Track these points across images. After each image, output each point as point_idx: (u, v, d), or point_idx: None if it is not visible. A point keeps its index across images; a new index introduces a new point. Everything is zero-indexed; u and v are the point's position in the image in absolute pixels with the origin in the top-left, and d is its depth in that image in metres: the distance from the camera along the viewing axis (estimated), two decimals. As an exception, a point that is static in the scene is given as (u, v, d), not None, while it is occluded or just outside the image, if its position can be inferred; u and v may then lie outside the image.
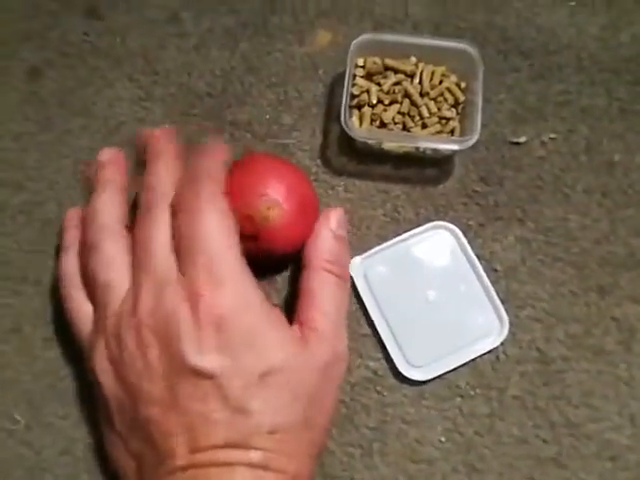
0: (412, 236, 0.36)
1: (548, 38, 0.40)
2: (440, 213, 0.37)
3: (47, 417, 0.34)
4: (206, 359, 0.27)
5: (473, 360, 0.35)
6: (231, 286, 0.28)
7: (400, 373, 0.34)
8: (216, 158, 0.32)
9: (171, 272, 0.29)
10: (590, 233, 0.37)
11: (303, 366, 0.29)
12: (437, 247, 0.36)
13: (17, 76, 0.40)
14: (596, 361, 0.35)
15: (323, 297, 0.31)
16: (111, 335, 0.29)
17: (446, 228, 0.37)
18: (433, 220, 0.37)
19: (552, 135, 0.39)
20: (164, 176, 0.32)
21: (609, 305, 0.36)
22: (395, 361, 0.35)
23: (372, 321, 0.35)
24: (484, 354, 0.35)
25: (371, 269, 0.36)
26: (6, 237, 0.37)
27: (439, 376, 0.35)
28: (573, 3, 0.41)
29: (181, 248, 0.29)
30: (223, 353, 0.28)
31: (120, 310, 0.30)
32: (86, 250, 0.32)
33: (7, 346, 0.35)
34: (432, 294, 0.36)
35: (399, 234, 0.36)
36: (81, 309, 0.32)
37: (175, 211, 0.30)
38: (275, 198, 0.32)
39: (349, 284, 0.33)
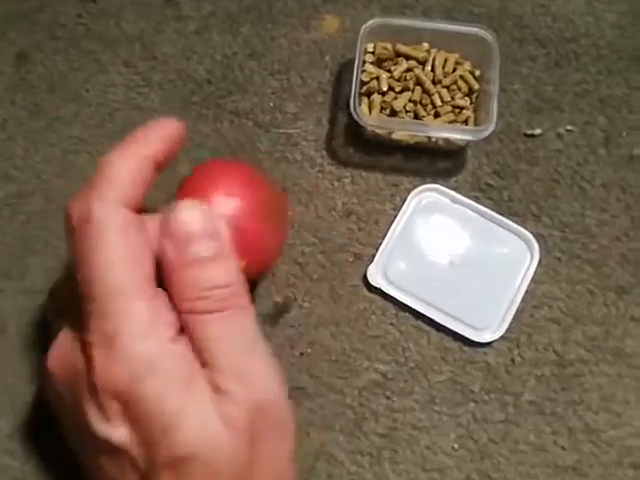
0: (410, 217, 0.35)
1: (565, 26, 0.39)
2: (452, 207, 0.36)
3: (32, 424, 0.32)
4: (110, 429, 0.23)
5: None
6: (127, 345, 0.22)
7: (475, 343, 0.33)
8: (134, 154, 0.25)
9: (77, 323, 0.24)
10: (609, 229, 0.36)
11: (227, 450, 0.23)
12: (436, 213, 0.35)
13: (5, 60, 0.38)
14: (616, 364, 0.34)
15: (210, 348, 0.23)
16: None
17: (433, 190, 0.36)
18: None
19: (569, 127, 0.37)
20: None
21: (629, 305, 0.34)
22: (465, 334, 0.33)
23: (418, 313, 0.34)
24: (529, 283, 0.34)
25: (390, 269, 0.34)
26: (-9, 230, 0.35)
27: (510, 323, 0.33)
28: (590, -10, 0.40)
29: (77, 287, 0.24)
30: (129, 421, 0.23)
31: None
32: None
33: (-10, 347, 0.33)
34: (455, 258, 0.35)
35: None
36: None
37: (67, 233, 0.25)
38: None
39: (246, 309, 0.25)
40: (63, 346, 0.25)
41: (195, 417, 0.23)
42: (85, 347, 0.23)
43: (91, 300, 0.23)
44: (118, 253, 0.23)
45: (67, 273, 0.28)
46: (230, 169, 0.30)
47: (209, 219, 0.24)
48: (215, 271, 0.24)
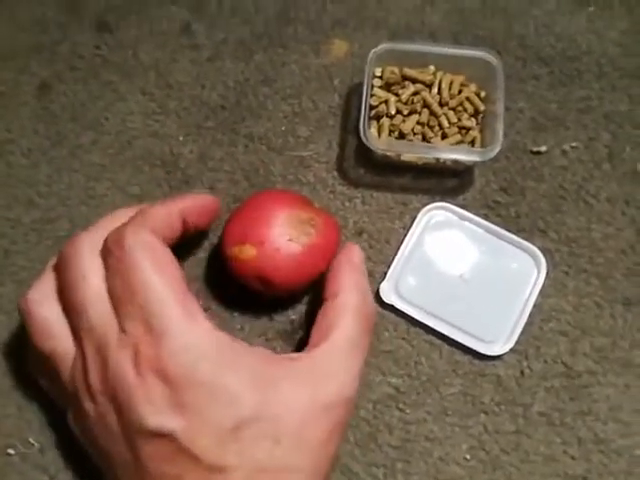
0: (420, 234, 0.36)
1: (567, 45, 0.40)
2: (461, 225, 0.37)
3: (62, 439, 0.33)
4: (161, 419, 0.25)
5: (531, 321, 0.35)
6: (174, 337, 0.26)
7: (485, 356, 0.34)
8: (168, 204, 0.30)
9: (110, 330, 0.27)
10: (615, 243, 0.36)
11: (291, 407, 0.26)
12: (445, 230, 0.36)
13: (27, 91, 0.40)
14: (624, 374, 0.34)
15: (339, 327, 0.29)
16: (72, 403, 0.28)
17: (441, 208, 0.37)
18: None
19: (573, 143, 0.38)
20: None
21: (636, 316, 0.35)
22: (475, 348, 0.34)
23: (429, 328, 0.35)
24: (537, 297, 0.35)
25: (402, 286, 0.35)
26: (18, 255, 0.37)
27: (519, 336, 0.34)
28: (592, 9, 0.40)
29: (114, 300, 0.27)
30: (180, 411, 0.25)
31: (72, 378, 0.28)
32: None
33: (21, 366, 0.35)
34: (465, 273, 0.36)
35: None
36: None
37: (103, 258, 0.28)
38: (246, 240, 0.31)
39: (372, 322, 0.31)
40: (97, 368, 0.27)
41: (253, 391, 0.26)
42: (131, 346, 0.26)
43: (132, 306, 0.26)
44: (149, 265, 0.27)
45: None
46: (285, 194, 0.34)
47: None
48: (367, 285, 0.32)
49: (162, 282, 0.27)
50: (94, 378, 0.27)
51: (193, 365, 0.25)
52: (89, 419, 0.27)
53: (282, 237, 0.31)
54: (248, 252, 0.31)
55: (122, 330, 0.26)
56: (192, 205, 0.31)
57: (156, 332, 0.26)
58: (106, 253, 0.28)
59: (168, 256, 0.28)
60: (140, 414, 0.25)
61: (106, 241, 0.28)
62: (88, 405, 0.27)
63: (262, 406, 0.26)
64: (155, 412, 0.25)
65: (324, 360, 0.28)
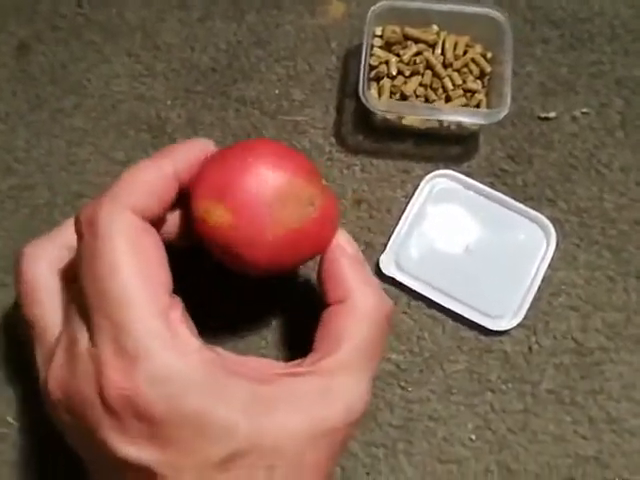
0: (422, 204, 0.34)
1: (578, 6, 0.38)
2: (465, 194, 0.35)
3: (42, 419, 0.31)
4: (137, 452, 0.21)
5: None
6: (152, 362, 0.21)
7: (491, 331, 0.32)
8: (155, 164, 0.24)
9: (80, 336, 0.22)
10: (628, 214, 0.35)
11: (289, 434, 0.22)
12: (449, 199, 0.34)
13: (5, 52, 0.37)
14: (637, 351, 0.33)
15: (349, 337, 0.24)
16: (43, 389, 0.24)
17: (445, 176, 0.35)
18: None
19: (584, 109, 0.36)
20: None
21: (649, 291, 0.34)
22: (481, 323, 0.32)
23: (432, 302, 0.33)
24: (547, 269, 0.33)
25: (403, 258, 0.33)
26: (-6, 224, 0.34)
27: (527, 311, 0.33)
28: (603, -32, 0.39)
29: (82, 298, 0.22)
30: (160, 444, 0.21)
31: (43, 362, 0.24)
32: None
33: (-3, 342, 0.33)
34: (470, 244, 0.34)
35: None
36: None
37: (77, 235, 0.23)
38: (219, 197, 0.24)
39: (389, 323, 0.26)
40: (60, 375, 0.22)
41: (246, 418, 0.21)
42: (98, 366, 0.21)
43: (100, 314, 0.21)
44: (126, 263, 0.21)
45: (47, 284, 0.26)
46: (290, 153, 0.26)
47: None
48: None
49: (139, 285, 0.21)
50: (54, 385, 0.22)
51: (176, 397, 0.21)
52: (62, 428, 0.24)
53: (268, 208, 0.24)
54: (220, 217, 0.24)
55: (91, 341, 0.21)
56: (186, 158, 0.25)
57: (129, 355, 0.21)
58: (77, 233, 0.23)
59: (151, 245, 0.23)
60: (111, 444, 0.21)
61: (78, 216, 0.23)
62: (53, 415, 0.23)
63: (256, 436, 0.21)
64: (129, 443, 0.21)
65: (330, 378, 0.23)
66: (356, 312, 0.25)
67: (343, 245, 0.26)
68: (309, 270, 0.33)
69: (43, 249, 0.26)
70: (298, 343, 0.32)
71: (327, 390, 0.23)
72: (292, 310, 0.33)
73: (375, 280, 0.27)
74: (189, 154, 0.25)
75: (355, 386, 0.24)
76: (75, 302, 0.23)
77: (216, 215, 0.24)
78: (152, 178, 0.24)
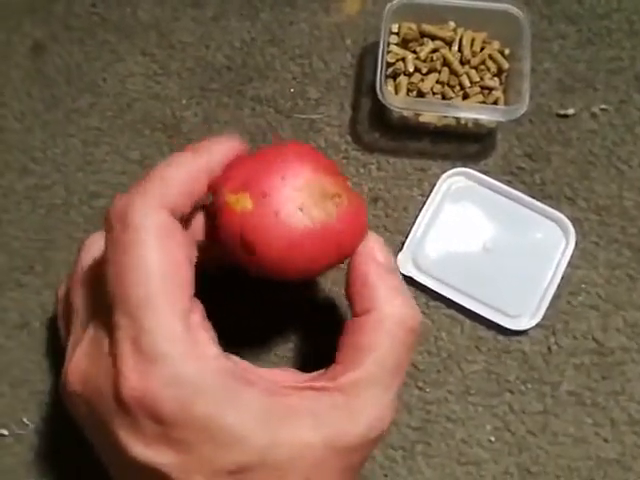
0: (439, 202, 0.34)
1: (596, 1, 0.37)
2: (483, 192, 0.34)
3: (58, 420, 0.31)
4: (150, 453, 0.21)
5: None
6: (169, 365, 0.21)
7: (510, 331, 0.32)
8: (190, 161, 0.24)
9: (105, 332, 0.22)
10: (648, 212, 0.34)
11: (304, 449, 0.21)
12: (466, 198, 0.34)
13: (20, 52, 0.37)
14: (659, 351, 0.32)
15: (375, 350, 0.23)
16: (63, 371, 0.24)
17: (462, 174, 0.34)
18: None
19: (603, 106, 0.36)
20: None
21: (671, 290, 0.33)
22: (499, 322, 0.32)
23: (450, 301, 0.32)
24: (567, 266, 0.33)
25: (420, 257, 0.33)
26: (10, 225, 0.34)
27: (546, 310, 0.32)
28: (622, -37, 0.38)
29: (107, 286, 0.22)
30: (174, 447, 0.21)
31: (66, 365, 0.24)
32: None
33: (13, 342, 0.32)
34: (488, 243, 0.33)
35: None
36: None
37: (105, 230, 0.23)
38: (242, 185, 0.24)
39: (418, 335, 0.24)
40: (81, 365, 0.23)
41: (258, 432, 0.21)
42: (115, 364, 0.21)
43: (121, 312, 0.21)
44: (153, 259, 0.21)
45: (89, 273, 0.26)
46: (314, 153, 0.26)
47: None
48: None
49: (165, 288, 0.21)
50: (74, 374, 0.23)
51: (188, 401, 0.21)
52: (78, 418, 0.24)
53: (292, 201, 0.23)
54: (243, 203, 0.23)
55: (111, 338, 0.22)
56: (219, 157, 0.24)
57: (146, 356, 0.21)
58: (106, 227, 0.23)
59: (179, 245, 0.22)
60: (124, 442, 0.21)
61: (110, 210, 0.23)
62: (69, 406, 0.24)
63: (269, 450, 0.21)
64: (141, 443, 0.21)
65: (352, 394, 0.23)
66: (381, 325, 0.23)
67: (372, 251, 0.25)
68: (328, 284, 0.33)
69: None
70: (317, 355, 0.32)
71: (347, 407, 0.22)
72: (313, 323, 0.33)
73: (406, 289, 0.25)
74: (221, 153, 0.25)
75: (377, 404, 0.23)
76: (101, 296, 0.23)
77: (240, 201, 0.24)
78: (185, 176, 0.23)
